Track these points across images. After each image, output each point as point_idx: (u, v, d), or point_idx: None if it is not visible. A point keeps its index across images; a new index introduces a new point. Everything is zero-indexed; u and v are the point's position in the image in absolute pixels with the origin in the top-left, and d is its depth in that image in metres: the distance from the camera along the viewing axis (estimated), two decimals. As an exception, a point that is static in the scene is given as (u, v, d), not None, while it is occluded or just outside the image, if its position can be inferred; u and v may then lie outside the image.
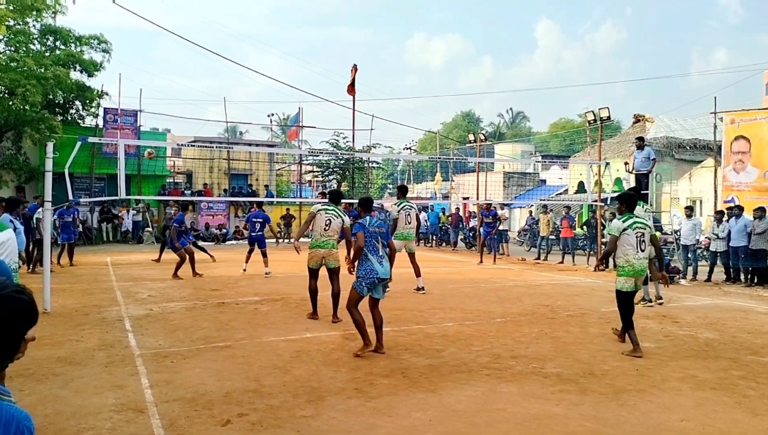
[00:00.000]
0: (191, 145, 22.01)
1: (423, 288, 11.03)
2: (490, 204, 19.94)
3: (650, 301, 10.09)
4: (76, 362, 6.11)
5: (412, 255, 11.14)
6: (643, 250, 6.86)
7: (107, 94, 25.55)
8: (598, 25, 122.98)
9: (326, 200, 9.34)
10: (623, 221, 6.88)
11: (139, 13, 39.56)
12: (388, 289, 7.30)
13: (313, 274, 8.41)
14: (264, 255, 13.59)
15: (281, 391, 5.21)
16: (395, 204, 11.21)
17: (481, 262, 17.69)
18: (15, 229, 8.90)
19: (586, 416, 4.70)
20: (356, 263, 6.62)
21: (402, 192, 11.47)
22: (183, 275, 12.98)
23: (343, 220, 8.38)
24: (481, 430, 4.43)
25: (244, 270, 13.85)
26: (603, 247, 15.96)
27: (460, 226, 25.17)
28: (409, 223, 10.99)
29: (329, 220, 8.30)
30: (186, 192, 27.56)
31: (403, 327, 8.00)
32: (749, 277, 13.39)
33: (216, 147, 22.91)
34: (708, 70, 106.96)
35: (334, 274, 8.30)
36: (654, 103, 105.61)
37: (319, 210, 8.40)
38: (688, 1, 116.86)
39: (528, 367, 6.09)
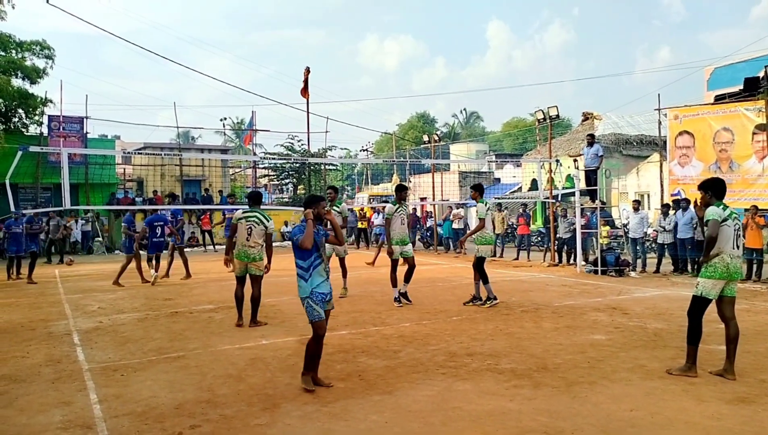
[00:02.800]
0: (138, 153, 21.51)
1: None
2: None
3: (485, 300, 9.60)
4: (21, 379, 5.89)
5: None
6: (739, 247, 5.85)
7: (51, 102, 24.85)
8: (547, 25, 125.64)
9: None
10: (723, 209, 5.78)
11: (82, 17, 38.49)
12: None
13: (240, 280, 8.31)
14: (157, 260, 13.23)
15: (235, 401, 5.13)
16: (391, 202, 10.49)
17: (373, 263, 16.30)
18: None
19: (539, 410, 4.77)
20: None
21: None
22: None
23: (265, 227, 8.08)
24: (437, 429, 4.45)
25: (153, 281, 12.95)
26: (555, 242, 16.30)
27: (418, 226, 25.32)
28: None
29: (250, 228, 8.07)
30: (137, 200, 26.91)
31: (361, 329, 7.99)
32: (696, 267, 13.84)
33: (165, 154, 22.43)
34: (653, 68, 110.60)
35: (255, 281, 8.19)
36: (602, 100, 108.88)
37: (239, 218, 8.13)
38: (632, 0, 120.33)
39: (483, 364, 6.16)
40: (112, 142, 35.08)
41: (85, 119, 25.28)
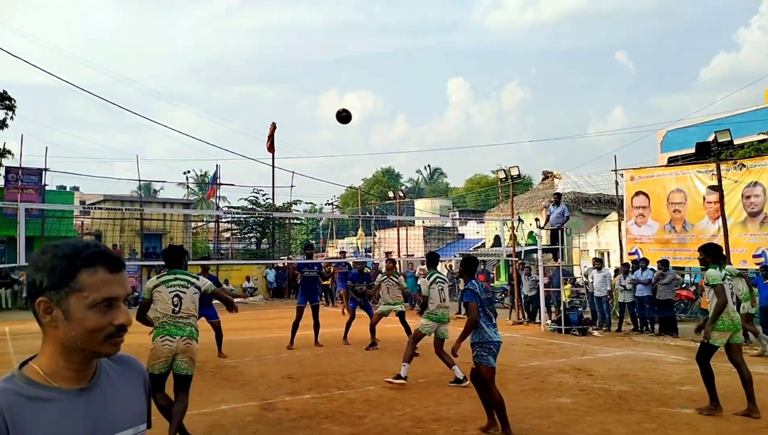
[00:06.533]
0: (98, 208, 21.11)
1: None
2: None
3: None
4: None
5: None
6: (736, 302, 6.94)
7: (10, 153, 24.32)
8: (504, 84, 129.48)
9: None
10: (720, 270, 6.58)
11: (43, 67, 38.21)
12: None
13: (158, 383, 5.34)
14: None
15: (192, 474, 4.89)
16: (426, 276, 8.73)
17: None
18: None
19: (507, 481, 4.67)
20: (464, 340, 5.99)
21: (432, 261, 9.00)
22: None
23: (198, 288, 5.55)
24: (404, 503, 4.31)
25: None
26: (521, 298, 16.39)
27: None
28: (444, 300, 8.54)
29: (177, 295, 5.42)
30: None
31: (324, 393, 7.79)
32: (654, 326, 14.02)
33: (126, 209, 22.08)
34: (608, 130, 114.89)
35: (181, 384, 5.44)
36: (561, 158, 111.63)
37: (155, 286, 5.48)
38: (587, 61, 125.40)
39: (450, 430, 6.05)
40: (71, 195, 34.35)
41: (44, 171, 24.79)
